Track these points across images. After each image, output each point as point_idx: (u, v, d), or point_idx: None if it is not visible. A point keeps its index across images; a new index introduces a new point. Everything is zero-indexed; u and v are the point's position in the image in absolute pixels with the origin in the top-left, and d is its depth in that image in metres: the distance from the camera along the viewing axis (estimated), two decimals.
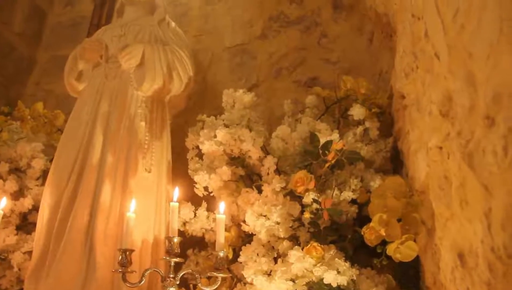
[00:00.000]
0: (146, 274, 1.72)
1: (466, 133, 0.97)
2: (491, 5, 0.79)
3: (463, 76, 0.96)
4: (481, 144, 0.88)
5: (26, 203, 2.28)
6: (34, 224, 2.17)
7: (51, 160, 2.31)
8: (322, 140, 1.81)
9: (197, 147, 2.11)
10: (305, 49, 2.82)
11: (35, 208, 2.28)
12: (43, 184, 2.26)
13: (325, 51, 2.78)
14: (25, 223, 2.36)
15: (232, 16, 3.11)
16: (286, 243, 1.74)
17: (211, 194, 2.02)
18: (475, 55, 0.88)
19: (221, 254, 1.68)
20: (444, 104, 1.12)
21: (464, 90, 0.96)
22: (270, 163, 1.90)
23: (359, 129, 1.89)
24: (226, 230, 1.86)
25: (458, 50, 0.97)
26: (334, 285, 1.54)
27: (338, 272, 1.56)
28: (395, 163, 1.87)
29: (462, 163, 0.99)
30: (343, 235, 1.69)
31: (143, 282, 1.70)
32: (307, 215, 1.69)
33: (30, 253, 2.12)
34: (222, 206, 1.77)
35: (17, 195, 2.34)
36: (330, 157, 1.72)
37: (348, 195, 1.71)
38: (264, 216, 1.80)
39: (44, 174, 2.34)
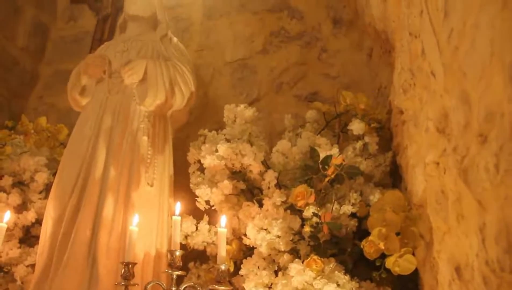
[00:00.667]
0: (148, 287, 1.74)
1: (462, 150, 1.00)
2: (483, 27, 0.82)
3: (458, 94, 0.99)
4: (475, 161, 0.91)
5: (29, 216, 2.30)
6: (37, 237, 2.19)
7: (54, 174, 2.34)
8: (322, 155, 1.84)
9: (199, 161, 2.14)
10: (305, 64, 2.86)
11: (38, 222, 2.30)
12: (46, 197, 2.28)
13: (325, 66, 2.82)
14: (28, 236, 2.38)
15: (233, 31, 3.15)
16: (286, 256, 1.76)
17: (213, 208, 2.05)
18: (469, 75, 0.91)
19: (223, 267, 1.70)
20: (441, 121, 1.15)
21: (459, 108, 0.99)
22: (270, 177, 1.93)
23: (359, 144, 1.91)
24: (227, 243, 1.88)
25: (453, 70, 1.00)
26: None
27: (338, 285, 1.58)
28: (394, 177, 1.90)
29: (458, 178, 1.02)
30: (343, 248, 1.71)
31: None
32: (307, 228, 1.71)
33: (33, 266, 2.14)
34: (223, 220, 1.79)
35: (20, 208, 2.36)
36: (330, 171, 1.74)
37: (347, 209, 1.74)
38: (265, 229, 1.82)
39: (47, 187, 2.37)
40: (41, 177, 2.39)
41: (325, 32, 2.91)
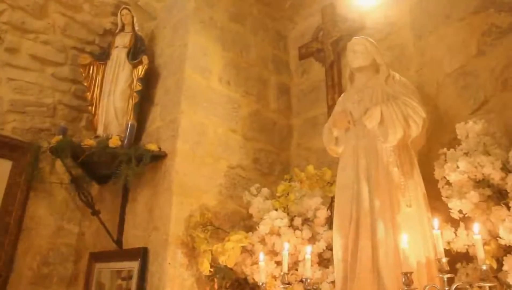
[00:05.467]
0: (426, 289, 2.14)
1: None
2: None
3: None
4: None
5: (321, 245, 2.98)
6: (328, 260, 2.91)
7: (328, 208, 2.99)
8: None
9: (445, 177, 2.50)
10: None
11: (327, 247, 2.96)
12: (329, 228, 2.96)
13: None
14: (321, 260, 3.06)
15: (445, 43, 3.33)
16: None
17: (466, 215, 2.38)
18: None
19: (484, 267, 1.94)
20: None
21: None
22: None
23: None
24: (486, 244, 2.14)
25: None
26: None
27: None
28: None
29: None
30: None
31: None
32: None
33: (333, 282, 2.81)
34: (476, 227, 2.06)
35: (311, 240, 3.05)
36: None
37: None
38: None
39: (328, 220, 3.04)
40: (322, 214, 3.07)
41: None
